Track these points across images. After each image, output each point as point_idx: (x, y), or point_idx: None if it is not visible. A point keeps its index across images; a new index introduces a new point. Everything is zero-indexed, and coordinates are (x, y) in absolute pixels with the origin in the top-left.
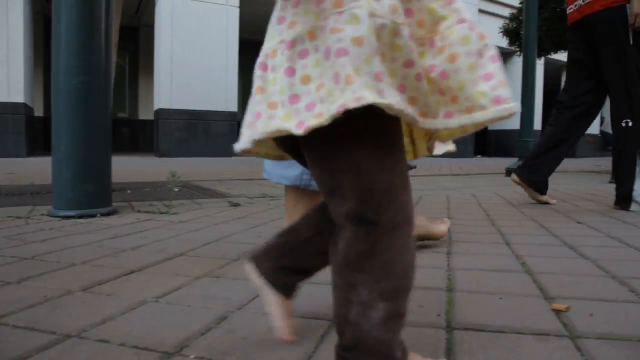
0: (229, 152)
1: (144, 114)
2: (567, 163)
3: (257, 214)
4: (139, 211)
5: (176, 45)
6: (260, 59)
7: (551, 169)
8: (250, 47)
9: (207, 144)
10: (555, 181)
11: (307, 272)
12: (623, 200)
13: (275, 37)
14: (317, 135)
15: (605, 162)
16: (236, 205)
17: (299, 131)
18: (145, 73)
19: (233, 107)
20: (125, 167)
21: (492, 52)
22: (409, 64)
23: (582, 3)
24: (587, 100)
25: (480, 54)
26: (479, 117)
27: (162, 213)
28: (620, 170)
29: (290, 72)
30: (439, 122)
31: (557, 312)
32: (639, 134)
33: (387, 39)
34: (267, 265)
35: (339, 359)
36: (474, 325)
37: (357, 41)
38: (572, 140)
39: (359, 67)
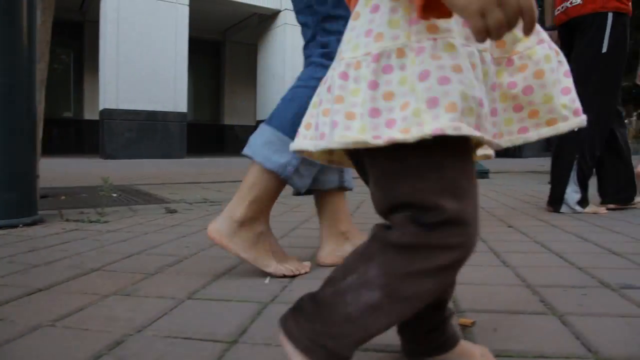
0: (178, 154)
1: (90, 114)
2: (512, 163)
3: (191, 222)
4: (67, 220)
5: (122, 44)
6: (341, 69)
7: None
8: (200, 45)
9: (156, 145)
10: (498, 182)
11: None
12: (555, 201)
13: (360, 49)
14: (395, 148)
15: (549, 163)
16: (173, 212)
17: (379, 142)
18: (90, 71)
19: (183, 107)
20: (67, 171)
21: (566, 67)
22: (494, 87)
23: (569, 5)
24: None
25: (557, 70)
26: (563, 127)
27: (91, 222)
28: (556, 172)
29: (374, 85)
30: (515, 139)
31: (463, 327)
32: (581, 140)
33: (478, 65)
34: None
35: (295, 309)
36: (375, 346)
37: (457, 68)
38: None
39: (466, 93)
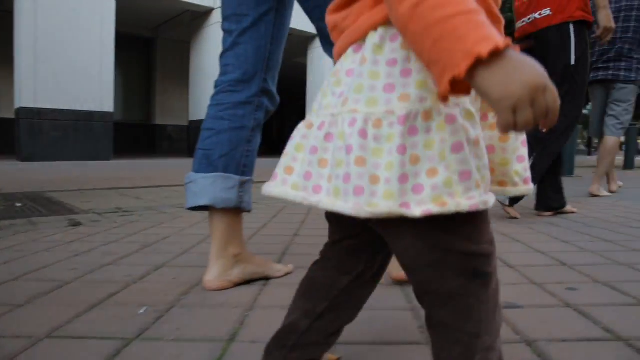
0: (104, 156)
1: (6, 112)
2: None
3: (92, 237)
4: None
5: (41, 38)
6: (358, 125)
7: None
8: (130, 42)
9: (79, 146)
10: None
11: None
12: None
13: (379, 105)
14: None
15: None
16: (77, 225)
17: (415, 214)
18: (5, 66)
19: (109, 106)
20: None
21: (524, 137)
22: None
23: (538, 17)
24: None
25: (518, 138)
26: (511, 192)
27: None
28: None
29: (403, 150)
30: None
31: None
32: (544, 140)
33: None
34: None
35: None
36: None
37: (477, 142)
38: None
39: (485, 164)
